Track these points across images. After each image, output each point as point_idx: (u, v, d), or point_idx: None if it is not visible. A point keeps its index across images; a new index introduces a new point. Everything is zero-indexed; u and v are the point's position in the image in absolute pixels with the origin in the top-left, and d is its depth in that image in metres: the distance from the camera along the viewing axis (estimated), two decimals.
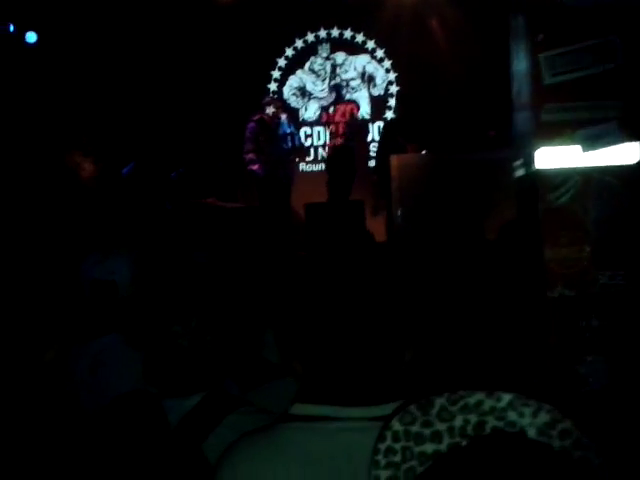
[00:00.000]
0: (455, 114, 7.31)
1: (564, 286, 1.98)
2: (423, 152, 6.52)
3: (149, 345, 1.59)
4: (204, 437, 1.38)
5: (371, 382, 0.99)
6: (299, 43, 8.06)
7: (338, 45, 8.01)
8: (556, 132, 1.95)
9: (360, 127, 7.20)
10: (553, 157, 1.96)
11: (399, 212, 6.03)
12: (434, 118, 7.15)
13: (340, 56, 8.01)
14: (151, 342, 1.59)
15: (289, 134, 6.73)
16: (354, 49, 7.99)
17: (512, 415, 0.67)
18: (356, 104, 7.05)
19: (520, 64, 2.05)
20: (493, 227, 5.38)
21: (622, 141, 1.92)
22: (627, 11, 1.88)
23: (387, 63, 7.95)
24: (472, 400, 0.68)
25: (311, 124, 7.97)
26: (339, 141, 6.60)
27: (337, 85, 7.48)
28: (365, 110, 7.99)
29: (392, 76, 7.96)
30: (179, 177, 6.90)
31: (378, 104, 7.96)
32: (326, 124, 6.89)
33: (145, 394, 1.52)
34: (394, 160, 6.18)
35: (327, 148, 6.78)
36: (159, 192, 6.56)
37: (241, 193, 7.32)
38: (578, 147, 1.94)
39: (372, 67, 7.98)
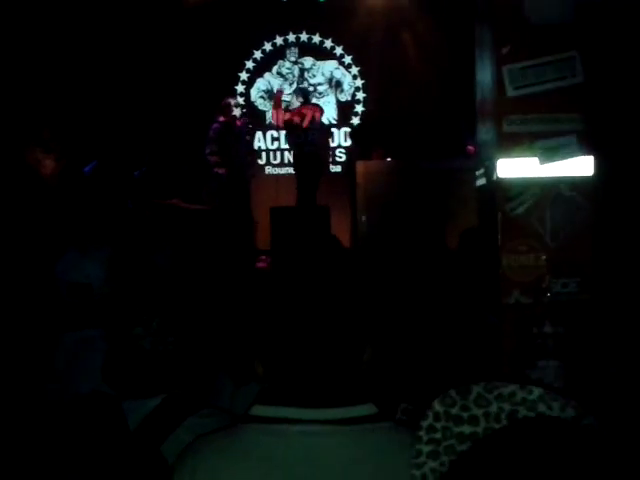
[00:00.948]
0: (421, 122, 7.42)
1: (520, 293, 2.03)
2: (388, 159, 6.60)
3: (110, 347, 1.59)
4: (163, 439, 1.38)
5: (330, 383, 1.00)
6: (267, 46, 8.07)
7: (306, 50, 8.04)
8: (516, 143, 2.00)
9: (323, 132, 7.23)
10: (513, 168, 2.01)
11: (364, 218, 6.09)
12: (400, 126, 7.25)
13: (308, 61, 8.04)
14: (112, 344, 1.58)
15: (246, 137, 6.78)
16: (322, 54, 8.03)
17: (542, 407, 0.72)
18: (320, 108, 7.08)
19: (484, 75, 2.11)
20: (456, 234, 5.49)
21: (579, 154, 1.98)
22: (588, 29, 1.95)
23: (355, 69, 8.02)
24: (506, 390, 0.74)
25: (278, 127, 7.97)
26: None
27: (303, 89, 7.51)
28: (332, 115, 8.03)
29: (359, 82, 8.03)
30: (142, 176, 6.81)
31: (345, 110, 8.02)
32: (285, 125, 6.89)
33: (104, 395, 1.51)
34: (360, 166, 6.24)
35: (291, 148, 6.79)
36: (121, 191, 6.46)
37: (206, 195, 7.26)
38: (536, 159, 1.99)
39: (340, 73, 8.04)
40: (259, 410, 0.99)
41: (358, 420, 0.97)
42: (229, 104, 6.63)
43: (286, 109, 6.99)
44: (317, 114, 6.75)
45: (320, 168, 6.68)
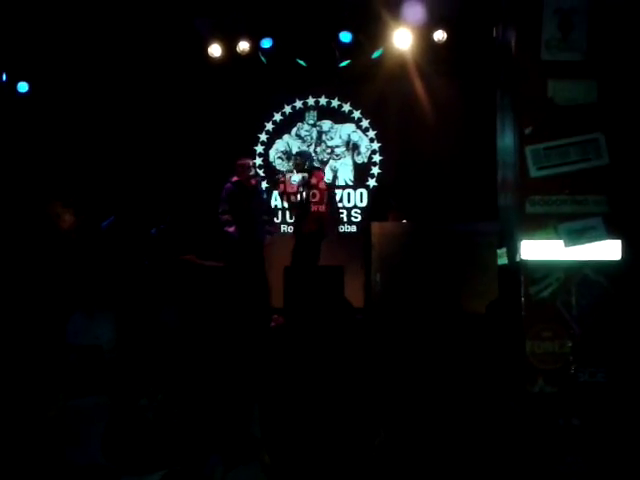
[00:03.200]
0: (437, 185, 7.43)
1: (544, 382, 1.92)
2: (404, 221, 6.58)
3: (112, 417, 1.54)
4: None
5: (339, 473, 0.93)
6: (287, 109, 8.20)
7: (325, 113, 8.16)
8: (540, 225, 1.93)
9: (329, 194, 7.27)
10: (536, 250, 1.94)
11: (378, 278, 6.02)
12: (416, 188, 7.26)
13: (326, 124, 8.16)
14: (115, 413, 1.54)
15: (262, 198, 6.81)
16: (340, 118, 8.14)
17: None
18: (322, 171, 7.17)
19: (506, 154, 2.06)
20: (469, 298, 5.39)
21: (606, 237, 1.91)
22: (613, 110, 1.90)
23: (372, 133, 8.10)
24: None
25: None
26: (323, 208, 6.65)
27: (303, 154, 7.56)
28: (348, 177, 8.08)
29: (376, 145, 8.10)
30: (159, 233, 6.84)
31: (361, 172, 8.07)
32: (283, 193, 6.89)
33: (102, 469, 1.46)
34: (375, 227, 6.21)
35: (300, 213, 6.80)
36: (137, 247, 6.49)
37: (223, 252, 7.25)
38: (561, 241, 1.92)
39: (357, 136, 8.13)
40: None
41: None
42: (246, 165, 6.67)
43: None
44: (321, 180, 6.83)
45: (322, 229, 6.69)
